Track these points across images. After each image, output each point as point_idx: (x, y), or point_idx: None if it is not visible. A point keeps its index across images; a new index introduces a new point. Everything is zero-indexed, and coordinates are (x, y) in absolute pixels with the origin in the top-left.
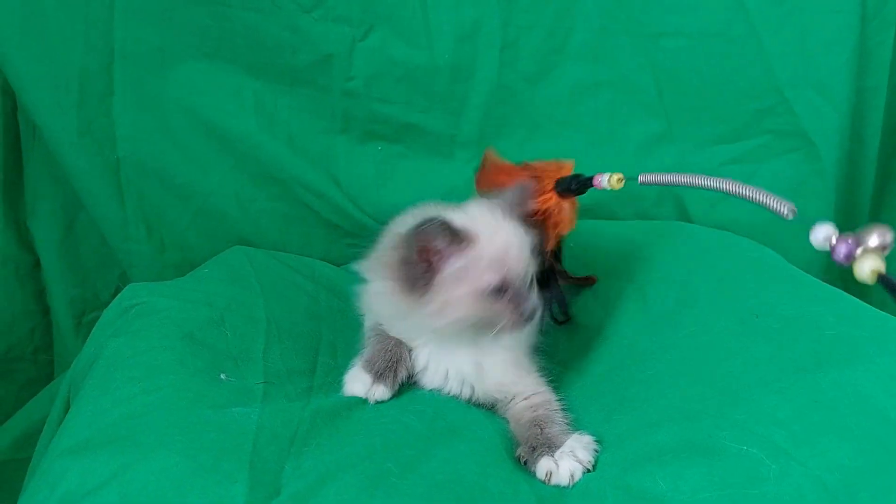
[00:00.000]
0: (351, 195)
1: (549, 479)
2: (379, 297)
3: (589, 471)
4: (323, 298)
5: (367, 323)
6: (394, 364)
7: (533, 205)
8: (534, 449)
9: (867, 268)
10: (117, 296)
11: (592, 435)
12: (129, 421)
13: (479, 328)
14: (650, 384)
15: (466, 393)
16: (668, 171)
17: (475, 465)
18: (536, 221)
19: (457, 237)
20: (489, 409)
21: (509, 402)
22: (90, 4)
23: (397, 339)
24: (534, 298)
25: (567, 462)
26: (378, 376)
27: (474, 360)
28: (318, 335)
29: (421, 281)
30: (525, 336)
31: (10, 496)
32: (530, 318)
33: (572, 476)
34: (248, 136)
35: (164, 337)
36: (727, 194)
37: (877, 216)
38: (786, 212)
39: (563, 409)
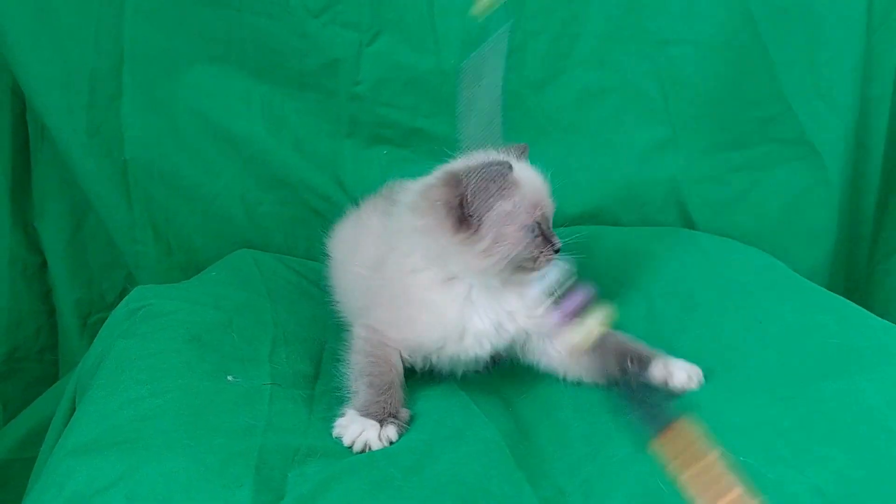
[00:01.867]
0: (356, 199)
1: (668, 380)
2: (414, 235)
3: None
4: (328, 303)
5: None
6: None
7: None
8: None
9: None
10: (125, 297)
11: None
12: (137, 423)
13: (520, 264)
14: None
15: (511, 329)
16: (670, 181)
17: (478, 466)
18: None
19: (508, 180)
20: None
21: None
22: (101, 7)
23: (390, 377)
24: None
25: (680, 366)
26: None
27: (517, 292)
28: (323, 340)
29: (473, 220)
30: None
31: (14, 495)
32: (558, 249)
33: (688, 381)
34: (256, 140)
35: (171, 339)
36: None
37: (880, 225)
38: None
39: None
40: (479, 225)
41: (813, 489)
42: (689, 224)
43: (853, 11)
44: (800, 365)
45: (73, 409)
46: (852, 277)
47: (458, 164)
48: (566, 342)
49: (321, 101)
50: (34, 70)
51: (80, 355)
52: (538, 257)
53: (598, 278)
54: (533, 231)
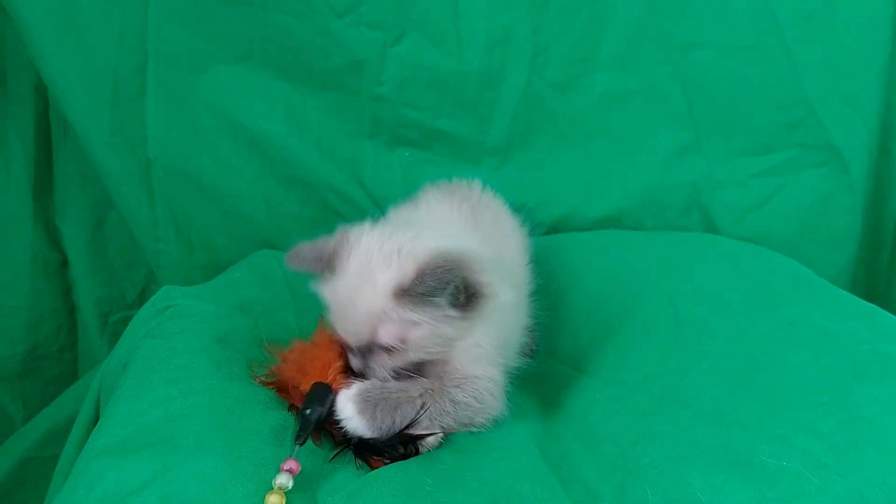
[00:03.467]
0: (377, 200)
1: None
2: None
3: None
4: None
5: None
6: None
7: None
8: None
9: None
10: (152, 297)
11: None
12: (168, 423)
13: None
14: (685, 392)
15: None
16: (692, 185)
17: (509, 470)
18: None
19: (313, 263)
20: None
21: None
22: (125, 7)
23: None
24: (358, 363)
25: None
26: None
27: None
28: None
29: None
30: None
31: (34, 493)
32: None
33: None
34: (277, 140)
35: (199, 339)
36: None
37: None
38: None
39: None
40: None
41: (857, 495)
42: (712, 229)
43: (878, 16)
44: (833, 370)
45: (97, 409)
46: (873, 283)
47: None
48: None
49: (344, 101)
50: (59, 69)
51: (99, 354)
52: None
53: (621, 283)
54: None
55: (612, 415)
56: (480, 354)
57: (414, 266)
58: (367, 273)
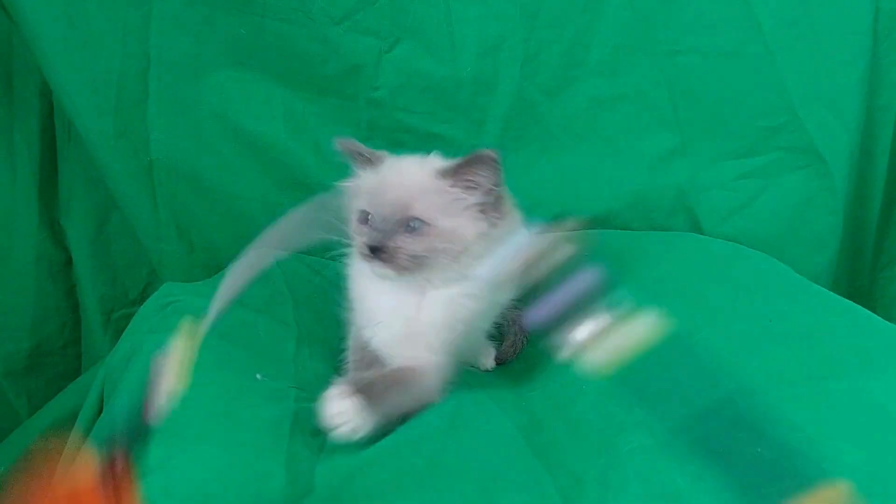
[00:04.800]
0: None
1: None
2: None
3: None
4: (347, 304)
5: None
6: None
7: None
8: None
9: None
10: (154, 294)
11: None
12: (171, 414)
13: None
14: (668, 385)
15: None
16: (678, 187)
17: (496, 456)
18: None
19: (362, 155)
20: None
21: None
22: (129, 13)
23: None
24: (378, 237)
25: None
26: None
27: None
28: (344, 340)
29: None
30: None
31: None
32: (370, 250)
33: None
34: (276, 143)
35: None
36: None
37: (883, 233)
38: None
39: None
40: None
41: (830, 483)
42: (697, 230)
43: (860, 22)
44: (810, 365)
45: (101, 402)
46: (855, 284)
47: None
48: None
49: (341, 105)
50: (64, 74)
51: (102, 350)
52: (359, 247)
53: (608, 280)
54: (359, 216)
55: (596, 405)
56: (455, 310)
57: (460, 159)
58: (417, 162)
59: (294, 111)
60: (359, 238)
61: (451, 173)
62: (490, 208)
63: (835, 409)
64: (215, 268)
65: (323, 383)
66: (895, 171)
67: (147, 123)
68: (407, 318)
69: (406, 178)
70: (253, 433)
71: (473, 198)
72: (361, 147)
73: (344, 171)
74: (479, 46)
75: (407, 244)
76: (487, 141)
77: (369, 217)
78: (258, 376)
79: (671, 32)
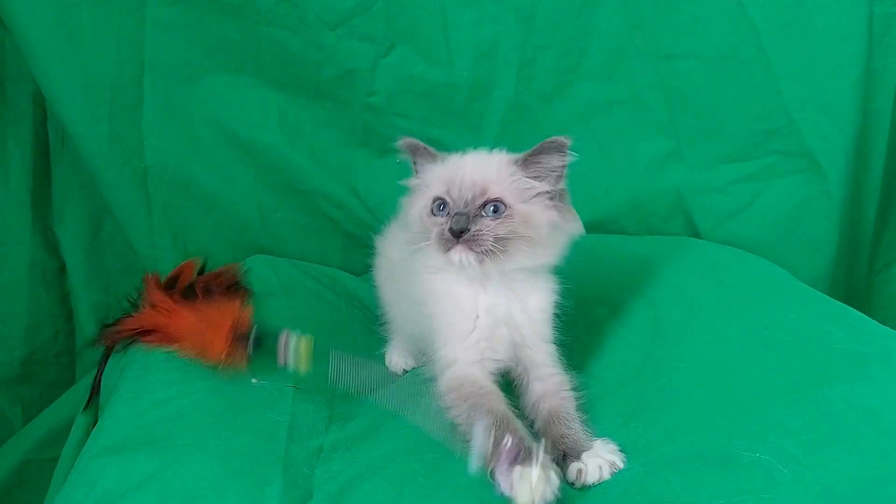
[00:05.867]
0: (370, 207)
1: (578, 479)
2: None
3: (614, 473)
4: (343, 308)
5: None
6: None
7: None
8: (564, 455)
9: None
10: None
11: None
12: (166, 423)
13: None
14: (665, 393)
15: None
16: (674, 191)
17: None
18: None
19: (427, 151)
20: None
21: (526, 375)
22: (123, 19)
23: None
24: (463, 220)
25: (594, 461)
26: None
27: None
28: (341, 345)
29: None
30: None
31: (32, 494)
32: (457, 233)
33: (601, 474)
34: (272, 148)
35: None
36: None
37: (879, 235)
38: None
39: (574, 397)
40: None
41: (824, 488)
42: (693, 234)
43: (854, 27)
44: (805, 370)
45: (96, 411)
46: (852, 286)
47: None
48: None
49: (336, 111)
50: (58, 80)
51: (96, 359)
52: (438, 238)
53: (604, 285)
54: (439, 210)
55: (594, 413)
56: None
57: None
58: (488, 153)
59: (289, 116)
60: (437, 227)
61: (524, 161)
62: (557, 198)
63: (829, 414)
64: None
65: (320, 386)
66: (890, 174)
67: (141, 129)
68: (509, 314)
69: (481, 165)
70: (249, 440)
71: (543, 185)
72: (424, 144)
73: (340, 176)
74: (475, 51)
75: (490, 226)
76: (484, 146)
77: (446, 204)
78: (254, 381)
79: (666, 37)
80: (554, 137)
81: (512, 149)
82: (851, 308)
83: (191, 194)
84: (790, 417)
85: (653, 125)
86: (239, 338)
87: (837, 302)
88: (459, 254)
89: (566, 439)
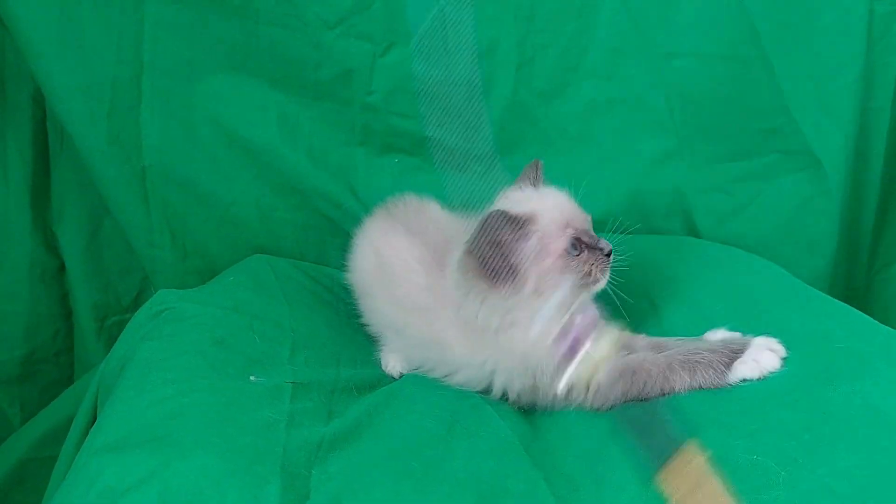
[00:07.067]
0: (369, 206)
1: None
2: (475, 304)
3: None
4: (342, 308)
5: None
6: None
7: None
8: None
9: None
10: (148, 300)
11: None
12: (165, 421)
13: (577, 288)
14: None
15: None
16: (674, 190)
17: (495, 464)
18: None
19: (518, 222)
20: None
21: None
22: (122, 18)
23: None
24: (605, 241)
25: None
26: None
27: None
28: (340, 345)
29: (505, 273)
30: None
31: (31, 493)
32: (610, 252)
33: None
34: (271, 148)
35: (195, 342)
36: None
37: (879, 235)
38: None
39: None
40: (515, 273)
41: (825, 488)
42: (693, 233)
43: (854, 25)
44: (806, 369)
45: (95, 409)
46: (851, 286)
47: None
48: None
49: (335, 110)
50: (57, 79)
51: (96, 358)
52: (591, 271)
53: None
54: (575, 249)
55: (592, 412)
56: None
57: None
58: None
59: (288, 116)
60: (585, 265)
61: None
62: None
63: (831, 414)
64: (209, 274)
65: (319, 385)
66: (890, 173)
67: (140, 129)
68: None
69: (560, 194)
70: (248, 438)
71: None
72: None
73: (338, 175)
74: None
75: None
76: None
77: (581, 240)
78: (252, 378)
79: (667, 35)
80: None
81: (511, 148)
82: (852, 307)
83: (190, 194)
84: (791, 417)
85: (653, 124)
86: None
87: (838, 301)
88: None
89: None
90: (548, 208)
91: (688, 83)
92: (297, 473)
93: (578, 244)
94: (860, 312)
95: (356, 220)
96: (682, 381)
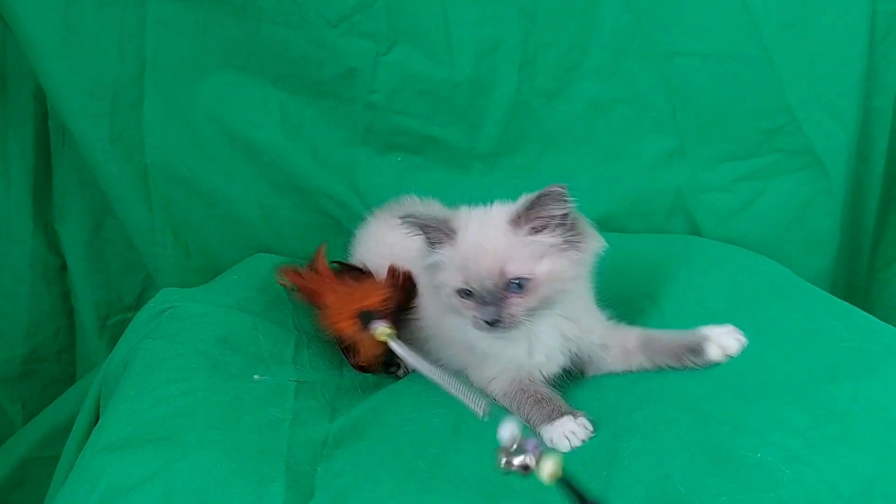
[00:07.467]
0: (371, 205)
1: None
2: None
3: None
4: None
5: None
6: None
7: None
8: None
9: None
10: (151, 299)
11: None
12: (169, 420)
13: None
14: (668, 390)
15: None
16: (677, 190)
17: None
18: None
19: (432, 225)
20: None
21: (605, 354)
22: (124, 17)
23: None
24: (492, 311)
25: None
26: None
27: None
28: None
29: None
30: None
31: (33, 492)
32: (487, 326)
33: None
34: (273, 146)
35: (199, 340)
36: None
37: (880, 235)
38: (480, 412)
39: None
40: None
41: (830, 486)
42: (695, 232)
43: (856, 25)
44: (811, 368)
45: (98, 408)
46: (852, 285)
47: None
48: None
49: (337, 108)
50: (60, 78)
51: (97, 356)
52: (473, 323)
53: (607, 284)
54: (459, 293)
55: (597, 413)
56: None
57: (527, 199)
58: (487, 218)
59: (290, 114)
60: (470, 313)
61: (524, 219)
62: (570, 236)
63: (836, 412)
64: (211, 272)
65: (323, 383)
66: (892, 173)
67: (142, 127)
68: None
69: (487, 242)
70: (252, 437)
71: (550, 238)
72: (429, 219)
73: (341, 174)
74: (476, 49)
75: (520, 304)
76: (485, 144)
77: (471, 293)
78: (256, 377)
79: (669, 35)
80: (549, 188)
81: (514, 147)
82: (855, 306)
83: (192, 192)
84: (796, 415)
85: (655, 123)
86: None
87: (840, 300)
88: (497, 334)
89: (678, 339)
90: (468, 242)
91: (690, 83)
92: (301, 471)
93: (464, 294)
94: (862, 311)
95: (358, 219)
96: None
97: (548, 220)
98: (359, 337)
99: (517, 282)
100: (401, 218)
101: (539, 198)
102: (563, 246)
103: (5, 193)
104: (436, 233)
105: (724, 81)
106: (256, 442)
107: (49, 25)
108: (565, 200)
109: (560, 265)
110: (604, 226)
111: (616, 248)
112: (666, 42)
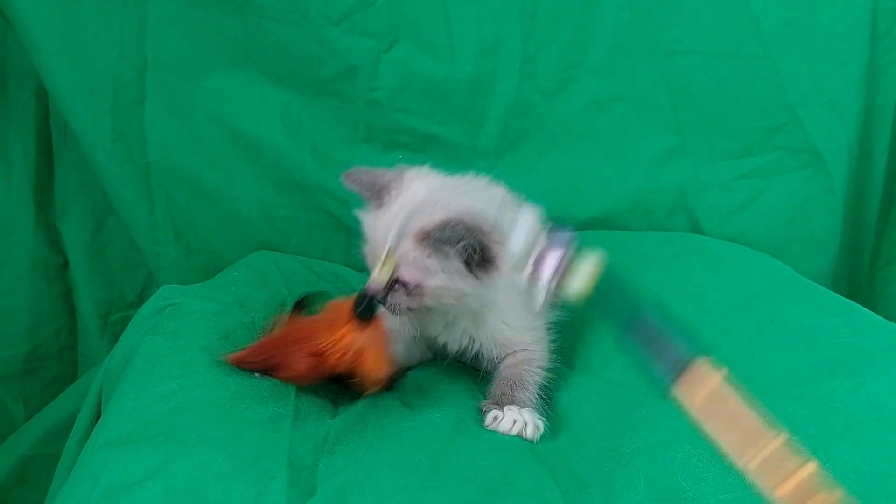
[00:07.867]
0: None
1: (492, 424)
2: None
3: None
4: None
5: None
6: None
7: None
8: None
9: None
10: (152, 296)
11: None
12: (170, 416)
13: None
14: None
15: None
16: (678, 187)
17: (500, 462)
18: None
19: (371, 193)
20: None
21: (502, 360)
22: (125, 15)
23: None
24: (374, 291)
25: (511, 414)
26: None
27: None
28: None
29: None
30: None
31: (34, 490)
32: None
33: (513, 427)
34: (274, 144)
35: (200, 337)
36: None
37: (882, 233)
38: None
39: (544, 370)
40: None
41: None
42: (697, 230)
43: (858, 22)
44: (812, 365)
45: (99, 405)
46: (854, 283)
47: None
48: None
49: (339, 107)
50: (61, 76)
51: (99, 354)
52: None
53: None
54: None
55: (599, 410)
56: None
57: (443, 216)
58: (404, 214)
59: (292, 113)
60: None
61: (427, 241)
62: (476, 265)
63: (836, 408)
64: (213, 270)
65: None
66: (894, 170)
67: (144, 126)
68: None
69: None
70: (254, 433)
71: (452, 264)
72: (363, 178)
73: (342, 172)
74: (478, 47)
75: (402, 301)
76: (486, 142)
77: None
78: (256, 374)
79: (670, 33)
80: (457, 225)
81: (515, 145)
82: (856, 303)
83: (193, 190)
84: (797, 412)
85: (656, 121)
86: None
87: (842, 297)
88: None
89: (504, 396)
90: (376, 231)
91: (691, 80)
92: (303, 467)
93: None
94: (864, 308)
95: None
96: None
97: (447, 241)
98: (360, 349)
99: (404, 285)
100: (345, 175)
101: (443, 225)
102: (464, 272)
103: (6, 191)
104: (369, 196)
105: (724, 79)
106: (258, 438)
107: (50, 23)
108: (464, 233)
109: (454, 282)
110: (605, 223)
111: (617, 245)
112: (667, 40)
